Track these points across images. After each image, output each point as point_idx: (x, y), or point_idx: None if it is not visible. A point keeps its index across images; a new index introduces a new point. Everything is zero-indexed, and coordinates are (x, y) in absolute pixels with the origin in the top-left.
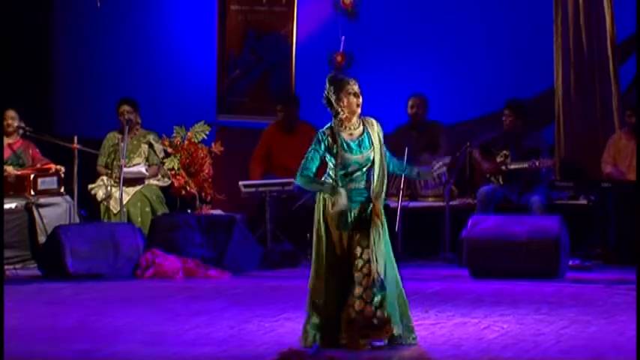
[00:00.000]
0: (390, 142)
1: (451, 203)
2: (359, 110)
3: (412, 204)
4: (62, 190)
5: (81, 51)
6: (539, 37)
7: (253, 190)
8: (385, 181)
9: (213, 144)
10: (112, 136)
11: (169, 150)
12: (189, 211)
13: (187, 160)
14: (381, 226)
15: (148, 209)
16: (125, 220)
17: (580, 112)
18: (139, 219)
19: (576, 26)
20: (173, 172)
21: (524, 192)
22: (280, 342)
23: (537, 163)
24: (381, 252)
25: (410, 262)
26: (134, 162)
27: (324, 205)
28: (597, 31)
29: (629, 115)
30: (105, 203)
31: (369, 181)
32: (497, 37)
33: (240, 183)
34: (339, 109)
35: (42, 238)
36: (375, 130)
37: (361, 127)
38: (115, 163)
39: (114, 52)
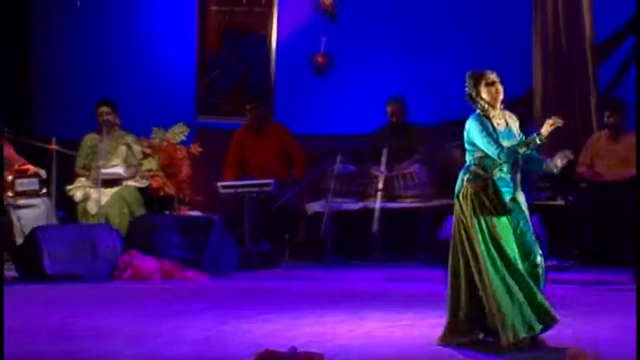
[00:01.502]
0: (371, 143)
1: (430, 204)
2: (500, 97)
3: (390, 204)
4: (44, 191)
5: (60, 52)
6: (519, 39)
7: (232, 191)
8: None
9: (191, 145)
10: (90, 138)
11: (148, 151)
12: (167, 212)
13: (166, 162)
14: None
15: (125, 210)
16: (103, 221)
17: (559, 113)
18: (117, 220)
19: (555, 28)
20: (151, 174)
21: None
22: (258, 343)
23: None
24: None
25: (388, 262)
26: (112, 163)
27: (474, 199)
28: (576, 32)
29: (608, 115)
30: (83, 204)
31: (512, 172)
32: (477, 39)
33: (219, 184)
34: (481, 101)
35: (19, 240)
36: (515, 123)
37: (504, 119)
38: (92, 164)
39: (93, 53)
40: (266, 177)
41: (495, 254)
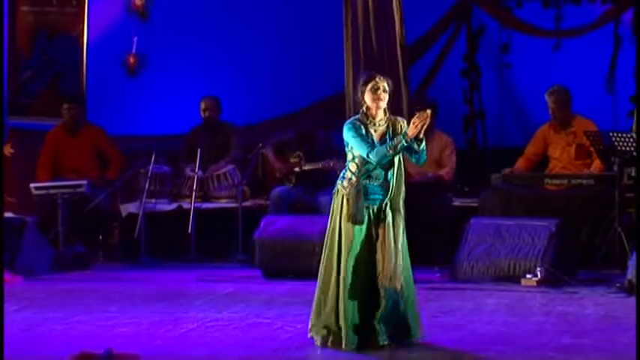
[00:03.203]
0: (184, 143)
1: (244, 204)
2: (381, 105)
3: (205, 205)
4: None
5: None
6: (331, 39)
7: (44, 192)
8: (402, 183)
9: (4, 146)
10: None
11: None
12: None
13: None
14: (393, 228)
15: None
16: None
17: None
18: None
19: (366, 28)
20: None
21: (315, 193)
22: (72, 345)
23: (332, 164)
24: (395, 260)
25: (203, 263)
26: None
27: (342, 202)
28: (387, 32)
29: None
30: None
31: (386, 180)
32: (289, 39)
33: (32, 185)
34: (363, 104)
35: None
36: (400, 130)
37: (385, 126)
38: None
39: None
40: (80, 178)
41: (335, 257)
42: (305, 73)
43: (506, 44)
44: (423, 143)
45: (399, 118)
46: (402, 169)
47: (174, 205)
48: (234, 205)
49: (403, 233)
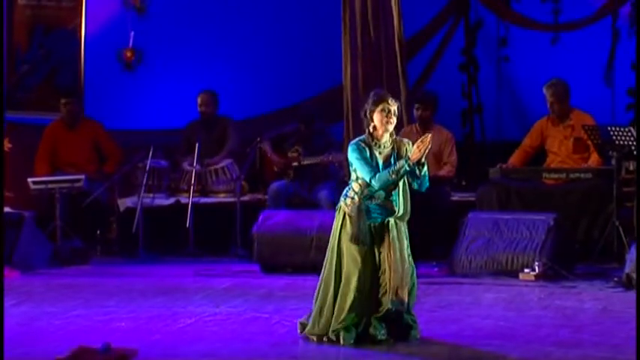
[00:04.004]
0: (182, 137)
1: (242, 199)
2: (389, 128)
3: (203, 200)
4: None
5: None
6: (329, 33)
7: (42, 186)
8: (409, 203)
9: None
10: None
11: None
12: None
13: None
14: (398, 241)
15: None
16: None
17: None
18: None
19: (364, 23)
20: None
21: (314, 187)
22: (71, 339)
23: (330, 158)
24: (402, 269)
25: (201, 257)
26: None
27: (343, 219)
28: (385, 27)
29: (417, 108)
30: None
31: (389, 200)
32: (287, 34)
33: (29, 179)
34: (370, 123)
35: None
36: (405, 153)
37: (391, 148)
38: None
39: None
40: (77, 172)
41: (334, 274)
42: (303, 67)
43: (504, 38)
44: (425, 168)
45: (405, 140)
46: (407, 189)
47: (172, 200)
48: (232, 199)
49: (407, 247)
